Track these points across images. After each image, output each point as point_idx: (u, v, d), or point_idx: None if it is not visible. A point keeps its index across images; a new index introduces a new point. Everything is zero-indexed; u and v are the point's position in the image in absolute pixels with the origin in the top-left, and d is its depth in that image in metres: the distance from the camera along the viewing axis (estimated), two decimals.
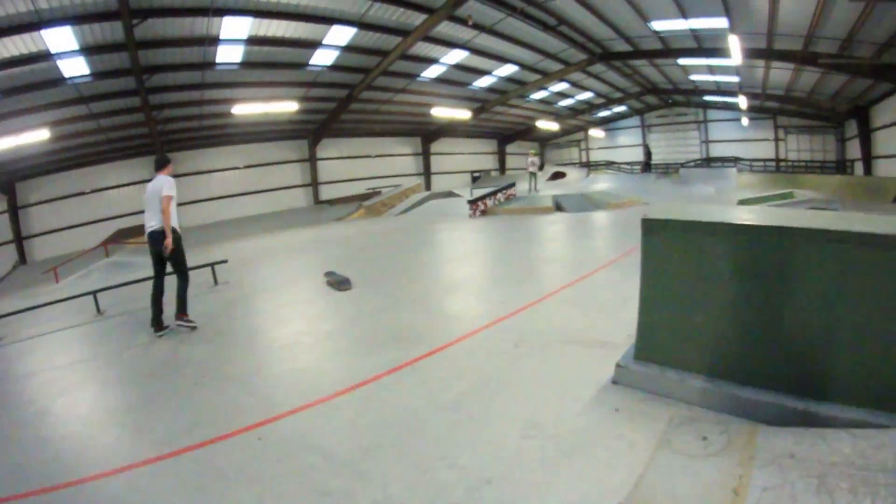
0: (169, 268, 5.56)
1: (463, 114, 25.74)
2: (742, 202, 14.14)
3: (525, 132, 38.15)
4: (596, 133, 39.49)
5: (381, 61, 18.10)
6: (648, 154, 32.37)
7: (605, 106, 33.87)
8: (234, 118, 20.98)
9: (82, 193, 22.51)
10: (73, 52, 13.49)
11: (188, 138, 23.12)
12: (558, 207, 14.07)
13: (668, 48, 19.27)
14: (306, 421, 3.21)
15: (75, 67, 14.44)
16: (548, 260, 6.88)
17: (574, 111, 34.33)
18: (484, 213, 15.12)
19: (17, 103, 15.35)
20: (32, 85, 14.68)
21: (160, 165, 5.59)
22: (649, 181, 24.40)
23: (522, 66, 22.09)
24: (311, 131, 26.19)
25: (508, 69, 22.39)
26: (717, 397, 2.90)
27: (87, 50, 13.62)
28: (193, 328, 5.42)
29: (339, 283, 6.67)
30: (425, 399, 3.35)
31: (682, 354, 3.16)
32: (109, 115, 17.96)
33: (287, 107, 19.66)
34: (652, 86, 28.87)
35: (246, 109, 18.92)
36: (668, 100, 33.06)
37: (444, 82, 22.55)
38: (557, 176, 29.98)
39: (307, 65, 17.67)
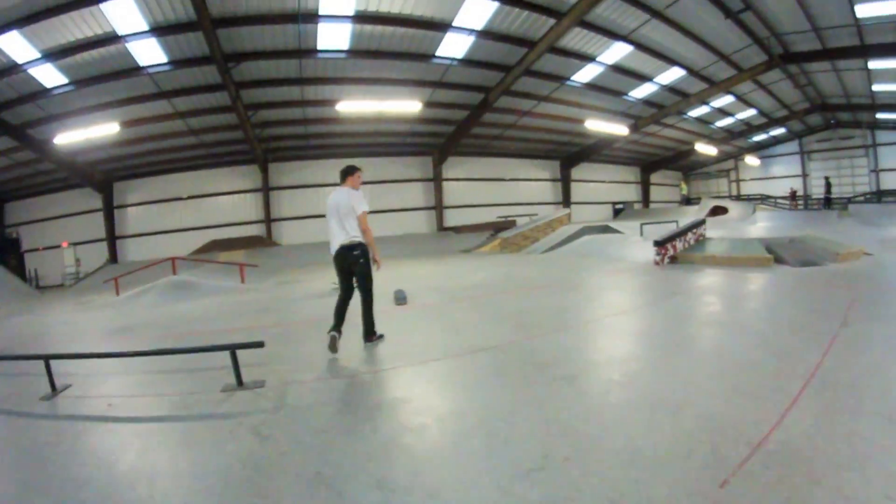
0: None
1: (620, 129, 20.70)
2: None
3: (671, 159, 32.35)
4: (751, 161, 33.07)
5: (526, 54, 13.84)
6: (828, 187, 26.30)
7: (765, 127, 28.10)
8: (343, 125, 17.98)
9: (178, 199, 21.27)
10: (144, 32, 11.03)
11: (293, 147, 20.60)
12: (775, 257, 9.29)
13: (864, 44, 15.16)
14: None
15: (150, 54, 11.99)
16: None
17: (730, 134, 28.57)
18: (674, 260, 10.41)
19: (93, 96, 13.44)
20: (107, 75, 12.57)
21: (345, 175, 4.98)
22: (830, 220, 18.11)
23: (690, 70, 17.37)
24: (437, 147, 22.50)
25: (673, 74, 17.70)
26: None
27: (158, 30, 11.04)
28: (381, 337, 5.05)
29: None
30: None
31: None
32: (197, 113, 15.56)
33: (408, 107, 15.47)
34: (821, 100, 23.68)
35: (355, 107, 15.05)
36: (832, 120, 27.85)
37: (597, 90, 17.95)
38: (718, 211, 23.92)
39: (433, 56, 13.75)
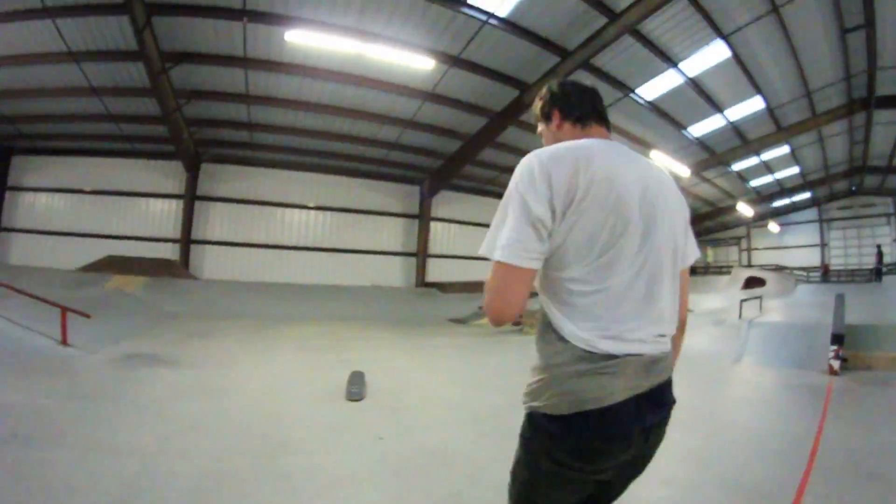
0: None
1: (682, 169, 15.59)
2: None
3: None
4: (773, 227, 29.92)
5: (601, 29, 8.92)
6: (880, 256, 23.60)
7: (794, 191, 25.00)
8: (304, 116, 13.11)
9: (80, 191, 15.90)
10: None
11: (234, 143, 15.33)
12: None
13: None
14: None
15: None
16: None
17: (758, 196, 25.20)
18: (844, 363, 5.94)
19: None
20: None
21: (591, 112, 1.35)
22: (890, 296, 14.15)
23: (768, 104, 13.56)
24: (430, 172, 17.29)
25: (748, 107, 13.78)
26: None
27: None
28: None
29: None
30: None
31: None
32: (97, 58, 10.26)
33: (415, 62, 9.47)
34: (862, 163, 20.50)
35: (311, 40, 8.86)
36: (853, 186, 25.84)
37: (657, 114, 13.45)
38: (753, 283, 19.64)
39: (464, 2, 8.42)
